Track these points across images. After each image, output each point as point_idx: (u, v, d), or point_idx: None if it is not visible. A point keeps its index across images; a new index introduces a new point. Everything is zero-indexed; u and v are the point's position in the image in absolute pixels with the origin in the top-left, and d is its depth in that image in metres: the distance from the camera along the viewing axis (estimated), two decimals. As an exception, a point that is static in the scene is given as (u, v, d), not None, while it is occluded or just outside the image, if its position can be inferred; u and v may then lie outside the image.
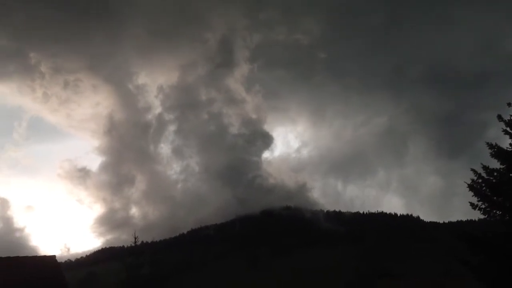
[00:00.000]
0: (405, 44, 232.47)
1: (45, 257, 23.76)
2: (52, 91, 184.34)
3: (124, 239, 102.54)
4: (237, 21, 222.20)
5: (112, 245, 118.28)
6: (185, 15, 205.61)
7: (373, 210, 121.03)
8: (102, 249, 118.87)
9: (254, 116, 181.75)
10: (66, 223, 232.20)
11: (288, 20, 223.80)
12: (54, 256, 23.81)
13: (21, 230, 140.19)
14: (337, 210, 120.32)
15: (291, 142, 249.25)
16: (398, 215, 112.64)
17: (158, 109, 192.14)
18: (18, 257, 24.12)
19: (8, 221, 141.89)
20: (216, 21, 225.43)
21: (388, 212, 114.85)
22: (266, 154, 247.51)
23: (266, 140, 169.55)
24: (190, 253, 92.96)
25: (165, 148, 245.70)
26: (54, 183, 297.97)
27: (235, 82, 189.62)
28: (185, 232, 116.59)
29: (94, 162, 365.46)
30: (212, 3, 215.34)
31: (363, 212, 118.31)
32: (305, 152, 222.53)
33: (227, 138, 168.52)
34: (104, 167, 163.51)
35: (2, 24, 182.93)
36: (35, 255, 25.27)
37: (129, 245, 60.84)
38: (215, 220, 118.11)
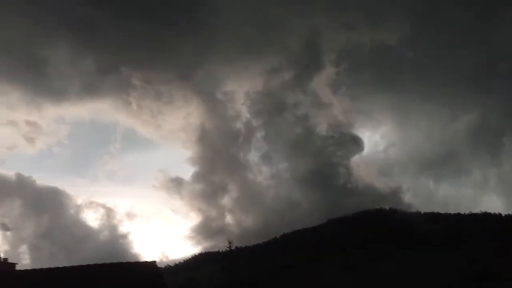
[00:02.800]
0: (495, 39, 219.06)
1: (146, 262, 24.56)
2: (144, 104, 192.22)
3: (220, 245, 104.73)
4: (321, 24, 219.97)
5: (209, 251, 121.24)
6: (268, 21, 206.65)
7: (475, 210, 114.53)
8: (200, 254, 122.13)
9: (341, 119, 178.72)
10: (163, 231, 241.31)
11: (372, 21, 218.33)
12: (154, 262, 24.53)
13: (123, 237, 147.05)
14: (434, 211, 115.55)
15: (377, 143, 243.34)
16: (503, 215, 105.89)
17: (245, 116, 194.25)
18: (121, 263, 25.14)
19: (112, 229, 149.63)
20: (299, 26, 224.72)
21: (492, 212, 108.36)
22: (354, 156, 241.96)
23: (356, 143, 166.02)
24: (283, 257, 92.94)
25: (254, 155, 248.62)
26: (149, 193, 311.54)
27: (321, 85, 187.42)
28: (277, 236, 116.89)
29: (187, 171, 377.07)
30: (294, 8, 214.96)
31: (464, 213, 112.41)
32: (392, 153, 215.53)
33: (315, 142, 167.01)
34: (196, 176, 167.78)
35: (95, 42, 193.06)
36: (136, 261, 26.16)
37: (224, 251, 61.86)
38: (307, 224, 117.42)
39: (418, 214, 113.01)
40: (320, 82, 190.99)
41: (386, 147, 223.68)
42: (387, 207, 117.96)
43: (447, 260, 74.63)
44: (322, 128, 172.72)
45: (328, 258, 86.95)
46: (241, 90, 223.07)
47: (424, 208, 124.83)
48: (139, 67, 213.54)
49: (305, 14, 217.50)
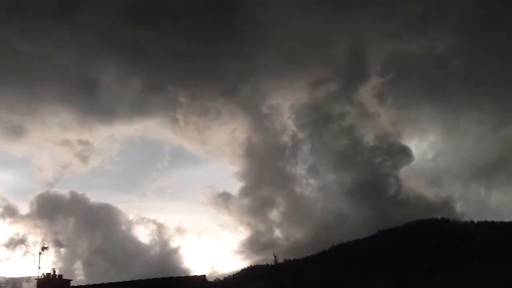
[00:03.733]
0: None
1: (196, 277, 24.74)
2: (190, 121, 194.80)
3: (269, 259, 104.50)
4: (365, 35, 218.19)
5: (258, 264, 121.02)
6: (311, 34, 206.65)
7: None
8: (249, 267, 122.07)
9: (389, 129, 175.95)
10: (212, 245, 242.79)
11: (418, 29, 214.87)
12: (204, 276, 24.69)
13: (173, 252, 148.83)
14: (488, 220, 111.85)
15: (425, 153, 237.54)
16: None
17: (291, 129, 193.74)
18: (172, 277, 25.43)
19: (163, 244, 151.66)
20: (343, 37, 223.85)
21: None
22: (403, 167, 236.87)
23: (404, 153, 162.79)
24: (332, 270, 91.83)
25: (301, 168, 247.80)
26: (198, 208, 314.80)
27: (367, 95, 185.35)
28: (326, 249, 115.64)
29: (234, 186, 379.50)
30: (338, 19, 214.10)
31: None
32: (441, 162, 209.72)
33: (362, 153, 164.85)
34: (244, 191, 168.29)
35: (142, 62, 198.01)
36: (187, 275, 26.39)
37: (272, 264, 61.69)
38: (356, 236, 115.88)
39: (471, 223, 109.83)
40: (366, 93, 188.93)
41: (434, 156, 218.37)
42: (439, 217, 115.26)
43: (506, 270, 71.79)
44: (369, 139, 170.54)
45: (379, 269, 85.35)
46: (286, 103, 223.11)
47: (477, 217, 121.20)
48: (185, 84, 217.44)
49: (349, 25, 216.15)
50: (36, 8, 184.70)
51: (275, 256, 37.57)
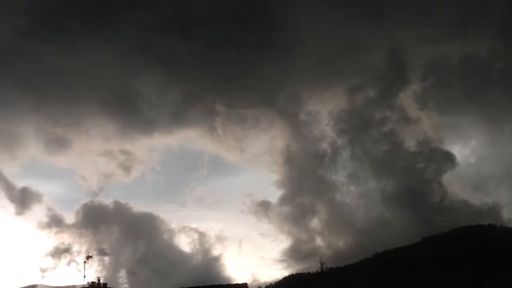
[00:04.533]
0: None
1: (238, 285, 24.71)
2: (228, 129, 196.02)
3: (311, 268, 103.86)
4: (404, 39, 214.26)
5: (299, 272, 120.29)
6: (348, 39, 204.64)
7: None
8: (290, 275, 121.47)
9: (431, 134, 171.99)
10: (253, 254, 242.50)
11: (458, 32, 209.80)
12: (246, 284, 24.65)
13: (215, 260, 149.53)
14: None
15: (468, 158, 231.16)
16: None
17: (330, 135, 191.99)
18: (214, 285, 25.46)
19: (204, 252, 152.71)
20: (381, 41, 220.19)
21: None
22: (446, 172, 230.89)
23: (448, 158, 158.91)
24: (376, 278, 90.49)
25: (341, 175, 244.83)
26: (237, 217, 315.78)
27: (407, 100, 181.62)
28: (369, 256, 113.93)
29: (273, 194, 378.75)
30: (375, 23, 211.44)
31: None
32: (485, 167, 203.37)
33: (404, 159, 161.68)
34: (284, 199, 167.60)
35: (180, 73, 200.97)
36: (229, 283, 26.40)
37: (315, 272, 61.17)
38: (400, 243, 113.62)
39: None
40: (406, 98, 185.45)
41: (477, 161, 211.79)
42: (485, 223, 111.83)
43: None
44: (410, 144, 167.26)
45: (424, 277, 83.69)
46: (324, 109, 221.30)
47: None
48: (223, 93, 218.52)
49: (387, 30, 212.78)
50: (78, 24, 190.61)
51: (321, 264, 37.13)
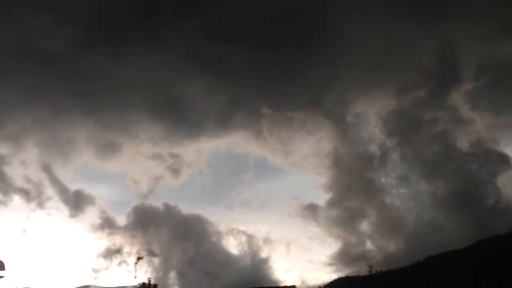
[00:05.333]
0: None
1: (286, 287, 24.51)
2: (275, 132, 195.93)
3: (361, 272, 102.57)
4: (456, 37, 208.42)
5: (348, 275, 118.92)
6: (397, 38, 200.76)
7: None
8: (339, 278, 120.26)
9: (484, 135, 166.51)
10: (301, 257, 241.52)
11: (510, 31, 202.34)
12: (294, 286, 24.41)
13: (263, 263, 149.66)
14: None
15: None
16: None
17: (379, 137, 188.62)
18: (262, 287, 25.36)
19: (252, 255, 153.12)
20: (431, 40, 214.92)
21: None
22: (502, 174, 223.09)
23: (502, 160, 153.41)
24: (428, 281, 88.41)
25: (391, 177, 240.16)
26: (284, 219, 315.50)
27: (459, 100, 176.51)
28: (421, 259, 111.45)
29: (321, 197, 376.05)
30: (424, 22, 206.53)
31: None
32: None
33: (456, 160, 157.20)
34: (332, 202, 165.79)
35: (226, 77, 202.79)
36: (277, 286, 26.25)
37: (364, 275, 60.22)
38: (452, 246, 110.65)
39: None
40: (458, 98, 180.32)
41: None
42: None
43: None
44: (463, 145, 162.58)
45: (478, 280, 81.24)
46: (373, 110, 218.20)
47: None
48: (268, 96, 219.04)
49: (437, 28, 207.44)
50: (127, 33, 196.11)
51: (370, 267, 36.37)
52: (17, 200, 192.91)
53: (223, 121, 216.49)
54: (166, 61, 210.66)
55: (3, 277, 21.93)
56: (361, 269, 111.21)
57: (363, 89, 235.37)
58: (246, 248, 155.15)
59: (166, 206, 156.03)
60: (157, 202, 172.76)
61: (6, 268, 21.91)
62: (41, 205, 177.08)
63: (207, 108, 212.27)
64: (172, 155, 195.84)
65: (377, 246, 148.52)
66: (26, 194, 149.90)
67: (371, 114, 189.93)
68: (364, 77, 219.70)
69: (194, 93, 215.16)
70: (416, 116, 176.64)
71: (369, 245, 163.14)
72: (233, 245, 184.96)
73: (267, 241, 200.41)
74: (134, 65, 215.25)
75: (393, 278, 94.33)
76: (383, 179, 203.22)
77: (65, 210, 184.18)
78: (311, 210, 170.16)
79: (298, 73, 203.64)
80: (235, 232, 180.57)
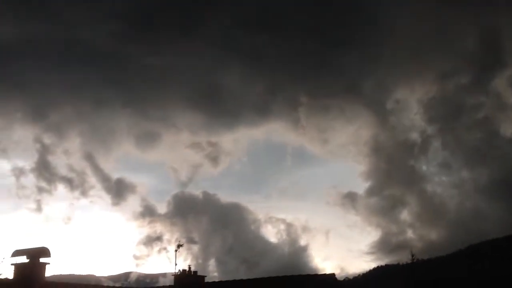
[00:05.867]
0: None
1: (325, 275, 24.52)
2: (312, 120, 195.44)
3: (401, 260, 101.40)
4: (499, 22, 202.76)
5: (388, 263, 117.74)
6: (437, 23, 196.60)
7: None
8: (379, 267, 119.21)
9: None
10: (340, 245, 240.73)
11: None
12: (333, 274, 24.39)
13: (301, 251, 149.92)
14: None
15: None
16: None
17: (420, 124, 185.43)
18: (301, 275, 25.49)
19: (291, 243, 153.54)
20: (473, 25, 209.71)
21: None
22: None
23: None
24: (470, 270, 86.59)
25: (432, 165, 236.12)
26: (322, 208, 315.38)
27: (502, 86, 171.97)
28: (462, 248, 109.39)
29: (359, 185, 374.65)
30: (466, 7, 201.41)
31: None
32: None
33: (499, 146, 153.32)
34: (371, 191, 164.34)
35: (263, 66, 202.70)
36: (316, 273, 26.29)
37: (404, 263, 59.54)
38: (496, 234, 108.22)
39: None
40: (502, 83, 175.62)
41: None
42: None
43: None
44: (506, 131, 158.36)
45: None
46: (413, 97, 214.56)
47: None
48: (306, 83, 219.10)
49: (479, 13, 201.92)
50: (165, 25, 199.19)
51: (412, 255, 36.01)
52: (61, 188, 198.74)
53: (261, 110, 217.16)
54: (204, 51, 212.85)
55: (48, 263, 22.63)
56: (402, 258, 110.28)
57: (403, 75, 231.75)
58: (284, 236, 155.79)
59: (205, 194, 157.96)
60: (196, 191, 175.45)
61: (51, 255, 22.63)
62: (84, 193, 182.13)
63: (245, 97, 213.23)
64: (210, 144, 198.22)
65: (418, 235, 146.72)
66: (70, 182, 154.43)
67: (412, 101, 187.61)
68: (405, 62, 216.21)
69: (231, 82, 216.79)
70: (458, 102, 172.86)
71: (410, 233, 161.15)
72: (271, 233, 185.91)
73: (306, 229, 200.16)
74: (173, 56, 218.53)
75: (434, 267, 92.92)
76: (424, 167, 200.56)
77: (107, 198, 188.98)
78: (350, 198, 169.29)
79: (336, 60, 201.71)
80: (274, 220, 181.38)
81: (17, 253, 24.24)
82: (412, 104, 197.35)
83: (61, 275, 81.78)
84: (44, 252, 23.99)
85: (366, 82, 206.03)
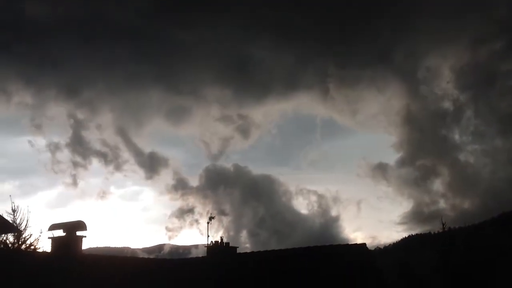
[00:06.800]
0: None
1: (356, 245, 24.59)
2: (341, 92, 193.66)
3: (433, 230, 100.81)
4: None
5: (419, 232, 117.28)
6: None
7: None
8: (409, 236, 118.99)
9: None
10: (371, 216, 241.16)
11: None
12: (364, 244, 24.41)
13: (332, 222, 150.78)
14: None
15: None
16: None
17: (452, 92, 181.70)
18: (332, 245, 25.64)
19: (321, 214, 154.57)
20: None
21: None
22: None
23: None
24: (503, 238, 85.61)
25: (465, 133, 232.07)
26: (352, 179, 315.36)
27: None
28: (495, 216, 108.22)
29: (390, 156, 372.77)
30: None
31: None
32: None
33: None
34: (402, 161, 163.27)
35: (292, 38, 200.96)
36: (346, 243, 26.41)
37: (437, 232, 59.16)
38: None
39: None
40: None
41: None
42: None
43: None
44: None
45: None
46: (445, 64, 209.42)
47: None
48: (335, 54, 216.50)
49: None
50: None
51: (443, 224, 35.74)
52: (95, 163, 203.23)
53: (290, 82, 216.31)
54: (233, 24, 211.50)
55: (85, 236, 23.27)
56: (434, 228, 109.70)
57: (435, 41, 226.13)
58: (315, 208, 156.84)
59: (236, 167, 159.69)
60: (227, 163, 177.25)
61: (87, 228, 23.22)
62: (118, 168, 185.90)
63: (274, 69, 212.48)
64: (240, 117, 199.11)
65: (451, 204, 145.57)
66: (104, 157, 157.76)
67: (444, 68, 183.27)
68: (436, 29, 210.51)
69: (261, 55, 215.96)
70: (492, 69, 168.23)
71: (442, 203, 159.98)
72: (302, 205, 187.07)
73: (336, 200, 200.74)
74: (202, 30, 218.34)
75: (466, 235, 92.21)
76: (456, 136, 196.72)
77: (140, 172, 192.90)
78: (380, 169, 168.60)
79: (365, 28, 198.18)
80: (305, 192, 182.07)
81: (53, 227, 24.94)
82: (444, 72, 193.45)
83: (97, 247, 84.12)
84: (80, 225, 24.62)
85: (397, 49, 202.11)
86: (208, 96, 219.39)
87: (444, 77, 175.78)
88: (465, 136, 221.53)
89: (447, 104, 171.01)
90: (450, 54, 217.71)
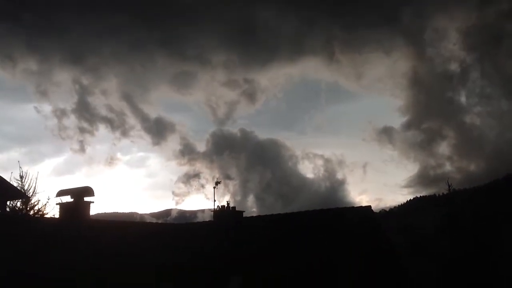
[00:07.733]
0: None
1: (361, 207, 24.72)
2: (346, 55, 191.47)
3: (438, 192, 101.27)
4: None
5: (424, 195, 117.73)
6: None
7: None
8: (415, 198, 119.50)
9: None
10: (376, 179, 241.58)
11: None
12: (369, 207, 24.53)
13: (337, 185, 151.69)
14: None
15: None
16: None
17: (459, 54, 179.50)
18: (337, 208, 25.81)
19: (327, 178, 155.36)
20: None
21: None
22: None
23: None
24: (506, 199, 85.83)
25: (471, 95, 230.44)
26: (358, 142, 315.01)
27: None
28: (500, 177, 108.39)
29: (395, 119, 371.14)
30: None
31: None
32: None
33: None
34: (408, 124, 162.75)
35: (293, 1, 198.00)
36: (352, 206, 26.59)
37: (441, 194, 59.37)
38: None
39: None
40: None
41: None
42: None
43: None
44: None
45: None
46: (452, 25, 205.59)
47: None
48: (340, 16, 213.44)
49: None
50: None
51: (449, 185, 35.67)
52: (102, 129, 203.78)
53: (296, 46, 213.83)
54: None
55: (92, 202, 23.48)
56: (439, 191, 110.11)
57: (442, 2, 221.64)
58: (321, 171, 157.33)
59: (243, 131, 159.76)
60: (233, 128, 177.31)
61: (95, 194, 23.38)
62: (125, 134, 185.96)
63: (280, 33, 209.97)
64: (246, 81, 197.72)
65: (456, 167, 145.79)
66: (110, 123, 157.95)
67: (451, 30, 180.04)
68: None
69: (266, 18, 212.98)
70: (499, 29, 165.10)
71: (448, 166, 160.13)
72: (308, 169, 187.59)
73: (342, 164, 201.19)
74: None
75: (471, 196, 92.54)
76: (463, 98, 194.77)
77: (147, 138, 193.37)
78: (386, 133, 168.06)
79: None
80: (311, 156, 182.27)
81: (61, 193, 25.15)
82: (450, 33, 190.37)
83: (105, 213, 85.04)
84: (87, 191, 24.81)
85: (403, 10, 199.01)
86: (214, 61, 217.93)
87: (450, 39, 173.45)
88: (471, 98, 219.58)
89: (454, 66, 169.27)
90: (456, 15, 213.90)
